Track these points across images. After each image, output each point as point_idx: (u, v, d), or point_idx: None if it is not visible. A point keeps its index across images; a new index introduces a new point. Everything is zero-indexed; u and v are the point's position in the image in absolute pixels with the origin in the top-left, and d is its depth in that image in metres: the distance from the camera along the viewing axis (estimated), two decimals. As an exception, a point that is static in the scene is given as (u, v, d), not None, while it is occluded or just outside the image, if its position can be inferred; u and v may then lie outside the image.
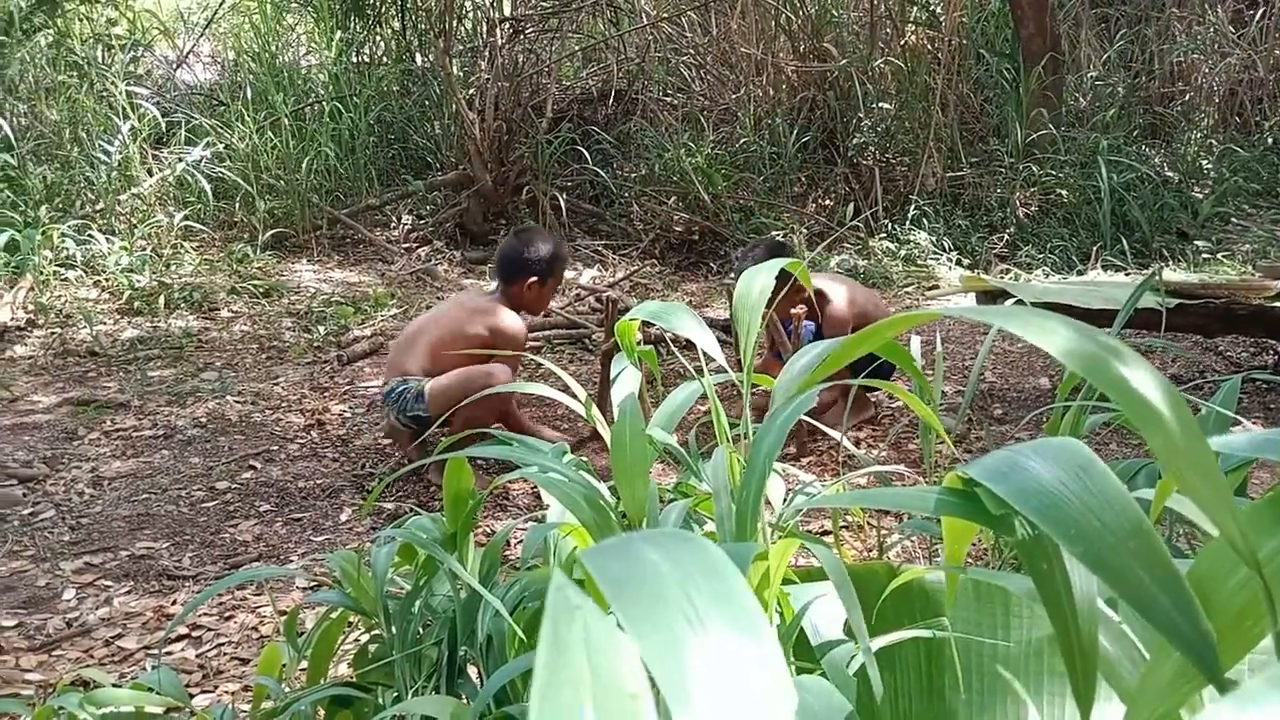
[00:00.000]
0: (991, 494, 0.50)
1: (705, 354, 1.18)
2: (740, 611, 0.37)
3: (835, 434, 2.16)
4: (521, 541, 2.81)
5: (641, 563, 0.37)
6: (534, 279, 3.32)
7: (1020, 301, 3.36)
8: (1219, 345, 4.12)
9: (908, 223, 7.01)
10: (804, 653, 0.94)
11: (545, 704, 0.30)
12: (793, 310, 3.20)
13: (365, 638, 1.70)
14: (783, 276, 3.78)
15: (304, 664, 1.64)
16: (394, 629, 1.52)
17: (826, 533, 2.67)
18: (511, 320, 3.27)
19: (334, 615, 1.56)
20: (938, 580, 1.18)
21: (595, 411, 1.32)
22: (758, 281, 1.21)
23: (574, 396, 1.37)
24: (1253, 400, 3.64)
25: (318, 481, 3.32)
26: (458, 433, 2.74)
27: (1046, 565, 0.49)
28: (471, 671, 1.56)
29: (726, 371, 1.19)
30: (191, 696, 2.17)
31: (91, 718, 1.55)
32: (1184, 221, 7.37)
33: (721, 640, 0.35)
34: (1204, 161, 8.13)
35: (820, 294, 3.43)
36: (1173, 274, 3.63)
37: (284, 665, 1.65)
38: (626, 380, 1.27)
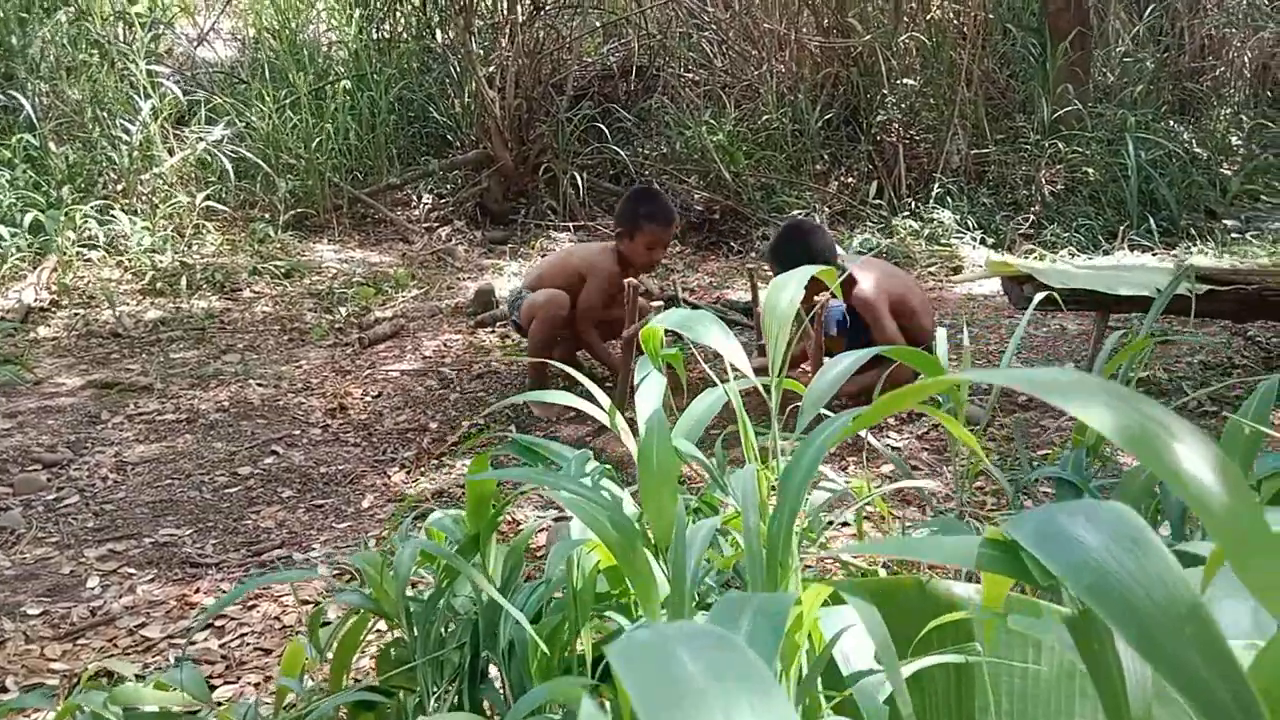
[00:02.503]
0: (1037, 560, 0.48)
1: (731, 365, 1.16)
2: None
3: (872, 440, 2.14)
4: (546, 530, 2.81)
5: (675, 673, 0.35)
6: (622, 231, 3.69)
7: (1046, 287, 3.32)
8: (1249, 330, 4.06)
9: (931, 201, 6.93)
10: (833, 678, 0.93)
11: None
12: (815, 298, 3.16)
13: (390, 637, 1.70)
14: (806, 261, 3.75)
15: (328, 660, 1.64)
16: (416, 632, 1.52)
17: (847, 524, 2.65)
18: (598, 260, 3.75)
19: (355, 616, 1.56)
20: (967, 595, 1.16)
21: (619, 420, 1.30)
22: (787, 291, 1.19)
23: (598, 404, 1.35)
24: (1283, 387, 3.58)
25: (340, 467, 3.32)
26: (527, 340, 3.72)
27: (1098, 646, 0.47)
28: (494, 672, 1.56)
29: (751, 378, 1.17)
30: (214, 688, 2.18)
31: (115, 717, 1.55)
32: (1212, 199, 7.26)
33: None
34: (1233, 138, 8.00)
35: (850, 279, 3.40)
36: (1203, 258, 3.57)
37: (306, 662, 1.65)
38: (651, 390, 1.25)
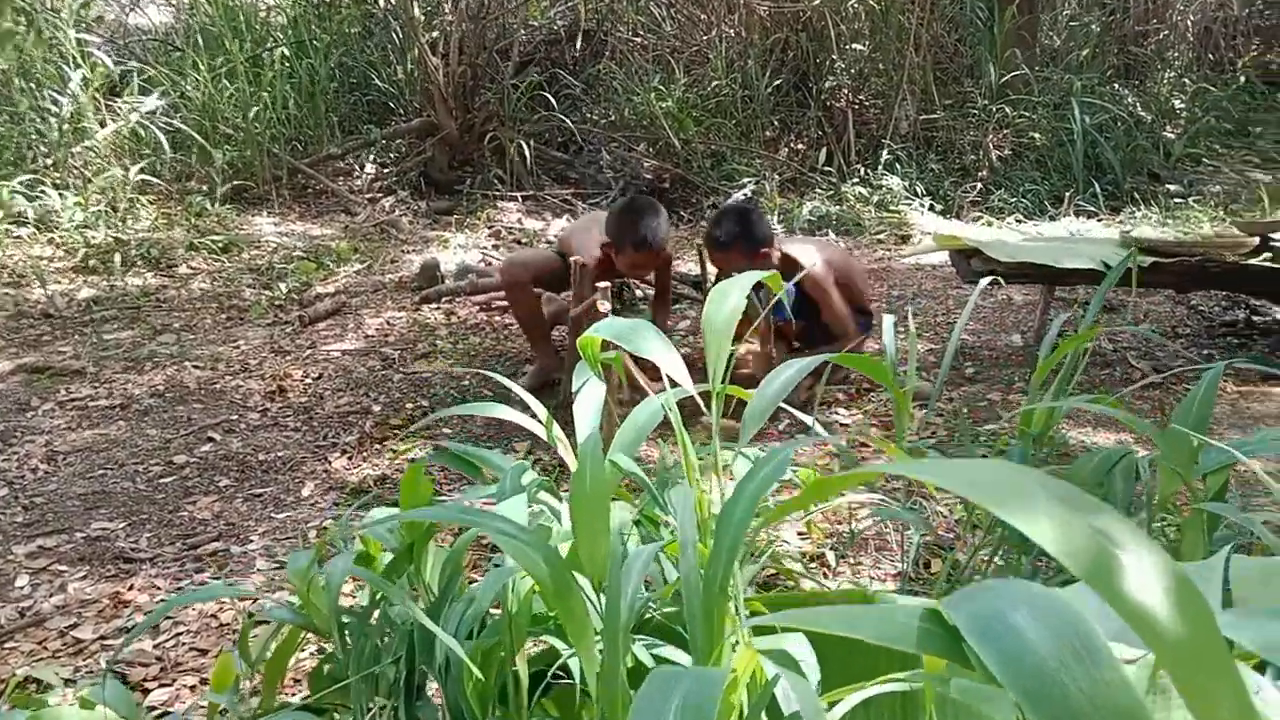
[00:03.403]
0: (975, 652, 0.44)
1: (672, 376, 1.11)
2: None
3: (807, 418, 2.11)
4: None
5: None
6: (607, 242, 3.51)
7: (994, 261, 3.30)
8: (1191, 299, 4.10)
9: (880, 167, 6.92)
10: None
11: None
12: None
13: (328, 647, 1.65)
14: (744, 245, 3.70)
15: (259, 673, 1.58)
16: (349, 647, 1.47)
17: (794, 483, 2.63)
18: (583, 246, 3.53)
19: (285, 631, 1.50)
20: (912, 604, 1.13)
21: (556, 430, 1.25)
22: (727, 302, 1.14)
23: (535, 417, 1.30)
24: (1223, 358, 3.61)
25: (279, 454, 3.24)
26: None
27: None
28: (431, 688, 1.51)
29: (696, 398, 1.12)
30: (148, 691, 2.12)
31: (37, 739, 1.49)
32: (1155, 163, 7.32)
33: None
34: (1177, 101, 8.06)
35: (787, 257, 3.36)
36: (1147, 229, 3.58)
37: (238, 674, 1.60)
38: (588, 403, 1.20)
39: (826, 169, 6.93)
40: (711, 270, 3.69)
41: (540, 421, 1.27)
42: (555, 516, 1.26)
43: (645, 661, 0.94)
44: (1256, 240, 3.38)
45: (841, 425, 3.21)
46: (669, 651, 1.00)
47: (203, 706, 2.09)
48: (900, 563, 2.33)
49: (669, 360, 1.11)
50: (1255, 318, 3.91)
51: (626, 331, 1.15)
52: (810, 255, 3.34)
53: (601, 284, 3.01)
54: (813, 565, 2.40)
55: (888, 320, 2.04)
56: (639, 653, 0.94)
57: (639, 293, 4.00)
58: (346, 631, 1.48)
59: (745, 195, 6.55)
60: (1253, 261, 3.38)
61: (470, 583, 1.97)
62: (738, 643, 0.79)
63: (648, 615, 1.12)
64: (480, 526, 0.97)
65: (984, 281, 2.02)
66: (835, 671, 0.99)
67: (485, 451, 1.36)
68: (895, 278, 4.83)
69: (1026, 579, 1.59)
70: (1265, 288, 3.73)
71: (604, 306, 3.07)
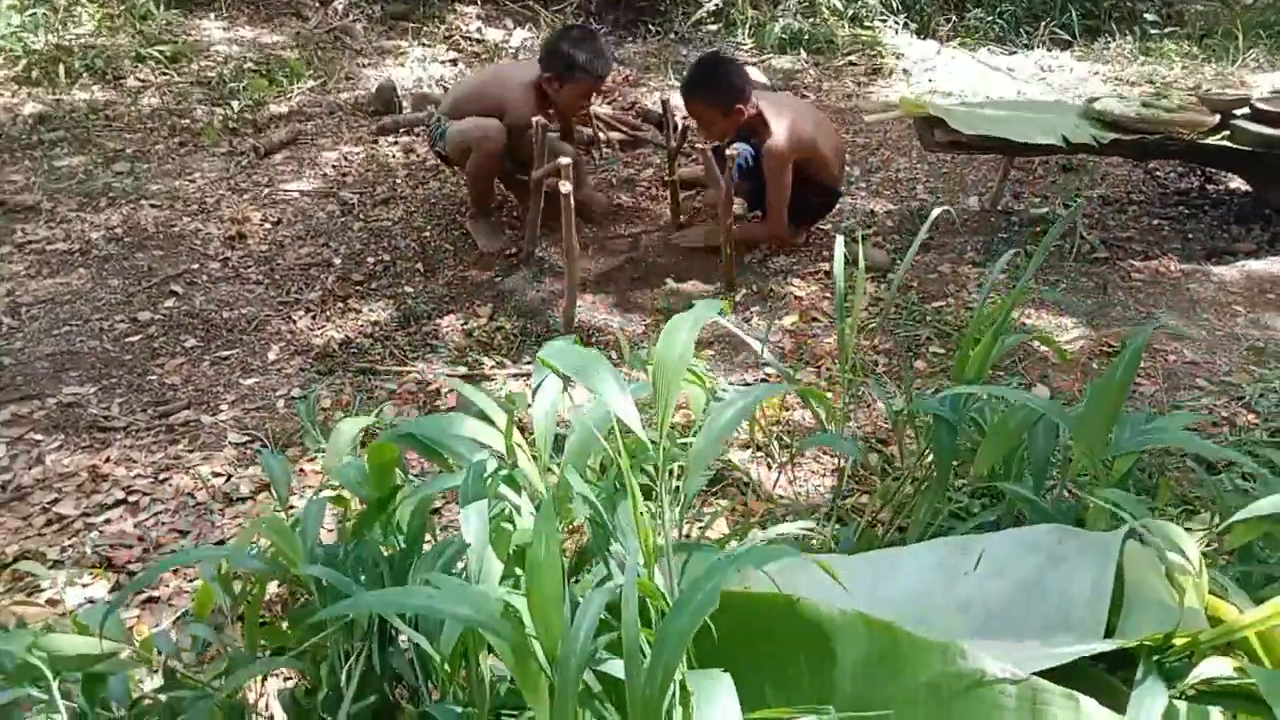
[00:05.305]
0: None
1: (619, 415, 1.18)
2: None
3: (755, 343, 2.20)
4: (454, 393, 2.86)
5: None
6: (551, 75, 3.46)
7: (956, 133, 3.32)
8: (1149, 164, 4.13)
9: (857, -23, 6.69)
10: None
11: None
12: (729, 151, 3.12)
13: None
14: (717, 100, 3.66)
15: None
16: (324, 593, 1.60)
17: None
18: (518, 100, 3.50)
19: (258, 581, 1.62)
20: (832, 616, 1.28)
21: (517, 437, 1.33)
22: (678, 342, 1.20)
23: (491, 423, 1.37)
24: (1172, 229, 3.70)
25: (242, 311, 3.29)
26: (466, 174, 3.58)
27: None
28: (403, 640, 1.65)
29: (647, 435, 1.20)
30: (133, 574, 2.26)
31: (40, 661, 1.63)
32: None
33: None
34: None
35: (761, 119, 3.33)
36: (1111, 101, 3.57)
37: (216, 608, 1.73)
38: (546, 397, 1.28)
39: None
40: (680, 124, 3.65)
41: (501, 432, 1.34)
42: (516, 511, 1.36)
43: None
44: (1216, 119, 3.40)
45: (795, 298, 3.30)
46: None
47: (186, 591, 2.25)
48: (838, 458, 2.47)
49: (620, 404, 1.18)
50: (1209, 185, 3.98)
51: (579, 364, 1.21)
52: (781, 128, 3.30)
53: (564, 162, 2.99)
54: (759, 454, 2.54)
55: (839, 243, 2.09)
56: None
57: (604, 146, 3.96)
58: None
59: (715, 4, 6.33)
60: (1209, 140, 3.41)
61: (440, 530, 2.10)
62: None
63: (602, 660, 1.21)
64: (440, 613, 1.06)
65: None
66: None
67: (450, 437, 1.43)
68: (861, 123, 4.78)
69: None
70: (1220, 164, 3.78)
71: (565, 161, 3.06)
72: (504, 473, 1.38)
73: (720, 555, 1.27)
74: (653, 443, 1.18)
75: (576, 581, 1.44)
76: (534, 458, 1.33)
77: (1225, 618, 1.32)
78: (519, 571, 1.35)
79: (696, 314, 1.24)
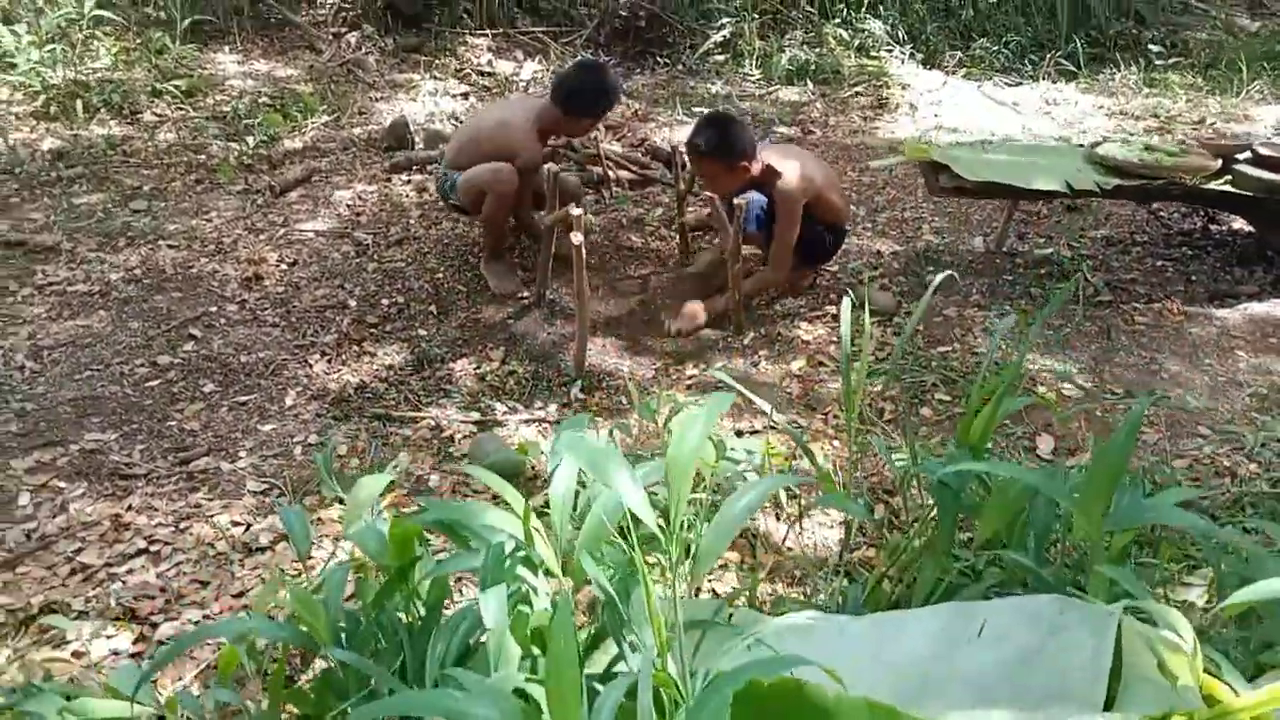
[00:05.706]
0: None
1: (634, 515, 1.23)
2: None
3: (765, 405, 2.25)
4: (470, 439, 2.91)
5: None
6: (569, 109, 3.60)
7: (961, 179, 3.37)
8: (1152, 205, 4.18)
9: (863, 9, 6.76)
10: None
11: None
12: (737, 201, 3.18)
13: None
14: (722, 157, 3.73)
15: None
16: (347, 661, 1.65)
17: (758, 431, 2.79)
18: (521, 143, 3.58)
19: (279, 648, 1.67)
20: (838, 698, 1.32)
21: (534, 522, 1.38)
22: (689, 442, 1.26)
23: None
24: (1175, 270, 3.75)
25: (260, 355, 3.35)
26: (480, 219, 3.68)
27: None
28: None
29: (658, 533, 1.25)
30: (156, 625, 2.31)
31: (69, 724, 1.68)
32: (1141, 3, 7.18)
33: None
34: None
35: (769, 168, 3.39)
36: (1114, 146, 3.62)
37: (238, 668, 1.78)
38: (565, 477, 1.33)
39: (809, 9, 6.75)
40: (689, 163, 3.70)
41: (519, 518, 1.40)
42: (533, 591, 1.41)
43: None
44: (1219, 164, 3.45)
45: (803, 342, 3.35)
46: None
47: (208, 643, 2.30)
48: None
49: (634, 497, 1.23)
50: (1212, 226, 4.02)
51: (593, 460, 1.27)
52: (790, 170, 3.36)
53: (575, 211, 3.05)
54: (767, 505, 2.58)
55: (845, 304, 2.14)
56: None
57: (615, 188, 4.02)
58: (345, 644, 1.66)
59: (723, 37, 6.40)
60: (1210, 186, 3.45)
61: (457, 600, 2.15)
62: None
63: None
64: (465, 717, 1.11)
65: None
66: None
67: (471, 515, 1.48)
68: (867, 160, 4.84)
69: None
70: (1223, 207, 3.83)
71: (576, 211, 3.12)
72: (521, 554, 1.44)
73: (731, 641, 1.32)
74: (662, 530, 1.23)
75: (590, 657, 1.49)
76: (550, 537, 1.38)
77: (1220, 698, 1.36)
78: (535, 651, 1.41)
79: (709, 412, 1.29)
